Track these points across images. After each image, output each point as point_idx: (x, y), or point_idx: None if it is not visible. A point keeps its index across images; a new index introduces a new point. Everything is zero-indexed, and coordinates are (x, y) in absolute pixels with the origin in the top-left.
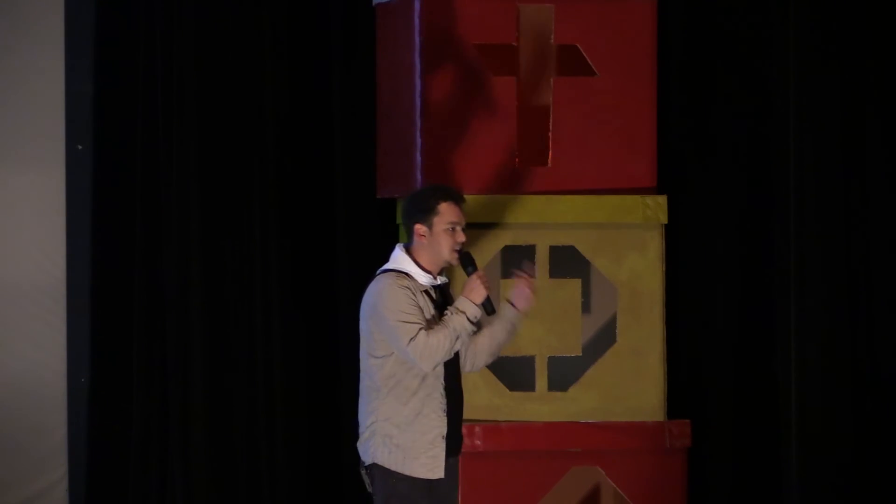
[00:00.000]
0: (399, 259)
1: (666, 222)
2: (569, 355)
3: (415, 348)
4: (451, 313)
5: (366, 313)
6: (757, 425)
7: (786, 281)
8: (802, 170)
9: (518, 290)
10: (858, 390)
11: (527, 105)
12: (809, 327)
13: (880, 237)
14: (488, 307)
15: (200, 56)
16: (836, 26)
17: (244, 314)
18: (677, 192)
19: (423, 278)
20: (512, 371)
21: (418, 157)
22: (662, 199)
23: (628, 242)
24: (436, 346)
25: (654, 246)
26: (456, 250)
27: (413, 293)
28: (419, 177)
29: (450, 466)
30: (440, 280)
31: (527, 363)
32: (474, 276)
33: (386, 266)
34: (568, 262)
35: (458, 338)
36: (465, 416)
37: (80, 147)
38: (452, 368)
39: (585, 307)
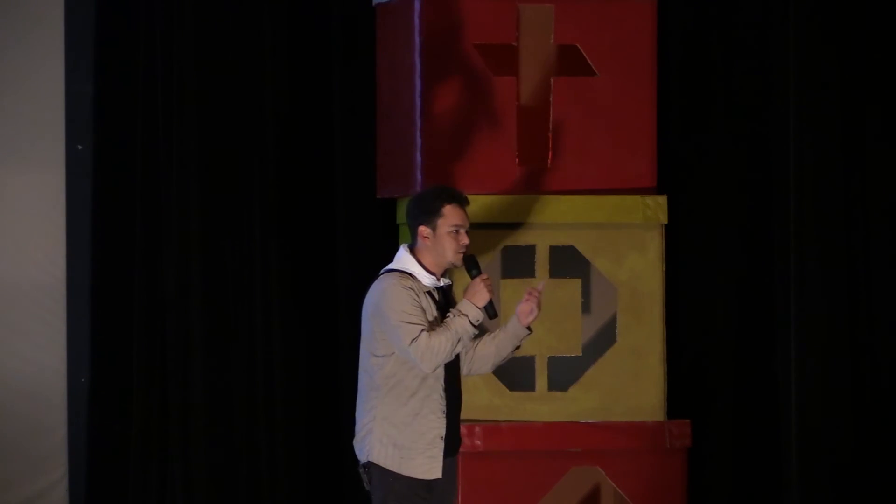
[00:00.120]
0: (403, 259)
1: (666, 222)
2: (569, 355)
3: (416, 349)
4: (454, 315)
5: (368, 312)
6: (757, 425)
7: (786, 281)
8: (802, 170)
9: (521, 305)
10: (858, 390)
11: (527, 105)
12: (809, 327)
13: (880, 237)
14: (490, 310)
15: (200, 56)
16: (836, 26)
17: (244, 314)
18: (677, 192)
19: (427, 279)
20: (512, 371)
21: (418, 157)
22: (662, 199)
23: (628, 242)
24: (437, 347)
25: (654, 246)
26: (460, 253)
27: (416, 294)
28: (419, 177)
29: (447, 466)
30: (443, 282)
31: (527, 363)
32: (478, 280)
33: (390, 266)
34: (568, 262)
35: (459, 340)
36: (465, 416)
37: (80, 147)
38: (452, 370)
39: (585, 307)
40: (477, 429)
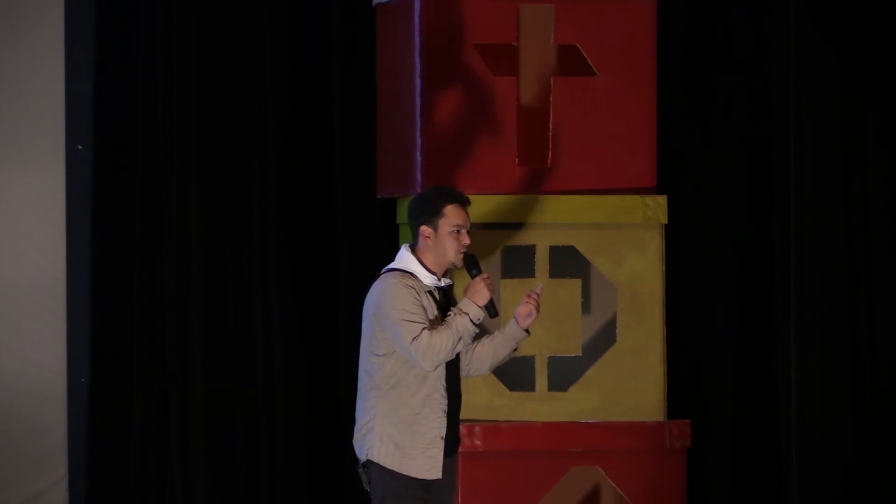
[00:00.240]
0: (404, 259)
1: (666, 222)
2: (569, 355)
3: (417, 347)
4: (455, 314)
5: (369, 311)
6: (757, 425)
7: (786, 281)
8: (802, 170)
9: (520, 308)
10: (858, 390)
11: (527, 105)
12: (809, 327)
13: (880, 237)
14: (491, 310)
15: (200, 56)
16: (836, 26)
17: (244, 314)
18: (677, 192)
19: (428, 279)
20: (512, 371)
21: (418, 157)
22: (662, 199)
23: (628, 242)
24: (438, 346)
25: (654, 246)
26: (461, 253)
27: (417, 293)
28: (419, 177)
29: (446, 466)
30: (444, 282)
31: (527, 363)
32: (478, 279)
33: (391, 265)
34: (568, 262)
35: (460, 339)
36: (465, 416)
37: (80, 147)
38: (453, 369)
39: (585, 307)
40: (477, 429)
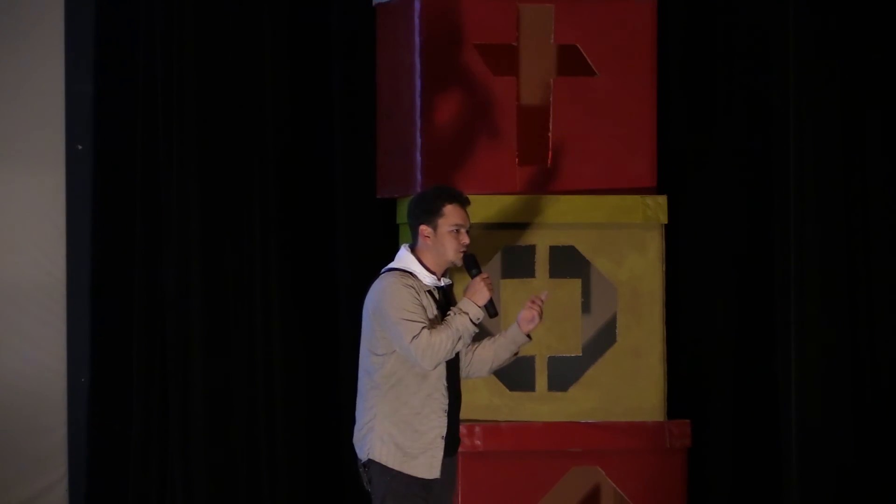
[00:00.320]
0: (404, 259)
1: (666, 222)
2: (569, 355)
3: (417, 346)
4: (454, 314)
5: (369, 310)
6: (757, 425)
7: (786, 281)
8: (802, 170)
9: (523, 313)
10: (858, 390)
11: (527, 105)
12: (809, 327)
13: (880, 237)
14: (491, 309)
15: (200, 56)
16: (836, 26)
17: (244, 314)
18: (677, 192)
19: (428, 279)
20: (512, 371)
21: (418, 157)
22: (662, 199)
23: (628, 242)
24: (438, 345)
25: (654, 246)
26: (460, 252)
27: (417, 292)
28: (419, 177)
29: (446, 465)
30: (444, 282)
31: (527, 363)
32: (478, 279)
33: (391, 265)
34: (568, 262)
35: (460, 338)
36: (465, 416)
37: (80, 147)
38: (454, 369)
39: (585, 307)
40: (477, 429)
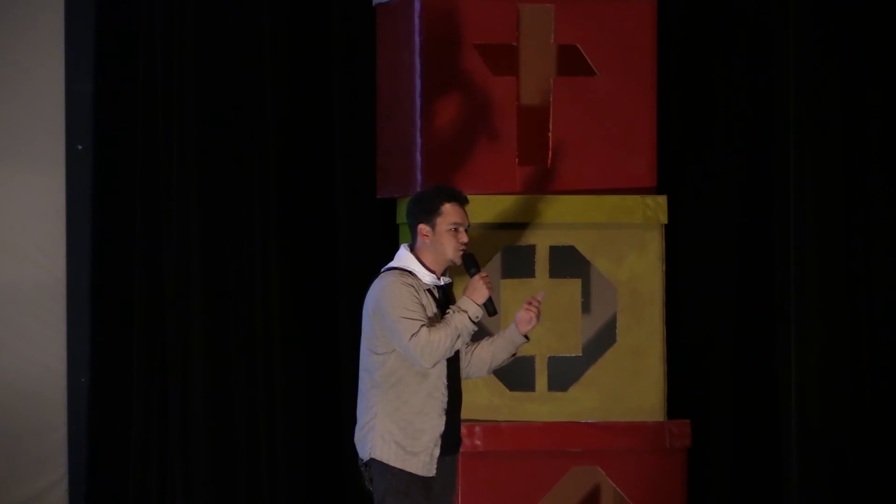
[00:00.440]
0: (404, 258)
1: (666, 222)
2: (569, 355)
3: (416, 344)
4: (453, 312)
5: (369, 309)
6: (757, 425)
7: (786, 281)
8: (802, 170)
9: (520, 314)
10: (858, 390)
11: (527, 105)
12: (809, 327)
13: (880, 237)
14: (490, 307)
15: (200, 56)
16: (836, 26)
17: (244, 314)
18: (677, 192)
19: (427, 277)
20: (512, 371)
21: (418, 157)
22: (662, 199)
23: (628, 242)
24: (437, 343)
25: (654, 246)
26: (459, 251)
27: (416, 291)
28: (419, 177)
29: (447, 465)
30: (443, 280)
31: (527, 363)
32: (476, 277)
33: (390, 264)
34: (568, 262)
35: (458, 336)
36: (465, 416)
37: (80, 147)
38: (454, 368)
39: (585, 307)
40: (477, 429)
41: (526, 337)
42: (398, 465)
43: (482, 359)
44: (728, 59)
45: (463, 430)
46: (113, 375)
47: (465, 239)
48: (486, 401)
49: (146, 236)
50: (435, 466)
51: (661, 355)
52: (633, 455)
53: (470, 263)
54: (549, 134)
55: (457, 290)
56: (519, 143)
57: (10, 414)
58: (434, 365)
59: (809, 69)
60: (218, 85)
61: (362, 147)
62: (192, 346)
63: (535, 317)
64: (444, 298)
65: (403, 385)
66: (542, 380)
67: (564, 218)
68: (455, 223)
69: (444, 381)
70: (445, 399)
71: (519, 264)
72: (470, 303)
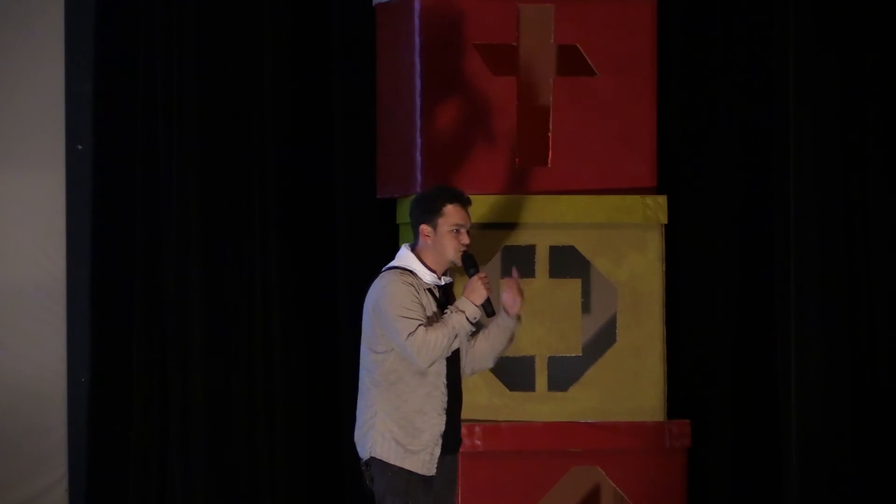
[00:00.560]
0: (405, 257)
1: (666, 222)
2: (569, 355)
3: (413, 343)
4: (451, 312)
5: (369, 308)
6: (757, 425)
7: (786, 281)
8: (802, 169)
9: (504, 296)
10: (858, 391)
11: (527, 105)
12: (809, 327)
13: (880, 238)
14: (488, 308)
15: (200, 56)
16: (837, 26)
17: (244, 314)
18: (677, 192)
19: (428, 277)
20: (512, 371)
21: (418, 157)
22: (662, 199)
23: (628, 242)
24: (433, 342)
25: (654, 246)
26: (460, 252)
27: (416, 290)
28: (419, 177)
29: (447, 464)
30: (444, 280)
31: (527, 363)
32: (475, 278)
33: (392, 263)
34: (568, 262)
35: (456, 336)
36: (465, 416)
37: (80, 147)
38: (454, 367)
39: (585, 307)
40: (477, 429)
41: (518, 318)
42: (398, 464)
43: (483, 351)
44: (728, 59)
45: (463, 430)
46: (113, 375)
47: (466, 240)
48: (486, 401)
49: (146, 236)
50: (435, 465)
51: (661, 355)
52: (633, 455)
53: (469, 264)
54: (549, 134)
55: (457, 290)
56: (519, 143)
57: (10, 414)
58: (430, 364)
59: (809, 69)
60: (218, 84)
61: (362, 147)
62: (192, 346)
63: (518, 295)
64: (445, 298)
65: (403, 384)
66: (542, 380)
67: (564, 218)
68: (457, 224)
69: (444, 380)
70: (445, 398)
71: (519, 264)
72: (468, 303)
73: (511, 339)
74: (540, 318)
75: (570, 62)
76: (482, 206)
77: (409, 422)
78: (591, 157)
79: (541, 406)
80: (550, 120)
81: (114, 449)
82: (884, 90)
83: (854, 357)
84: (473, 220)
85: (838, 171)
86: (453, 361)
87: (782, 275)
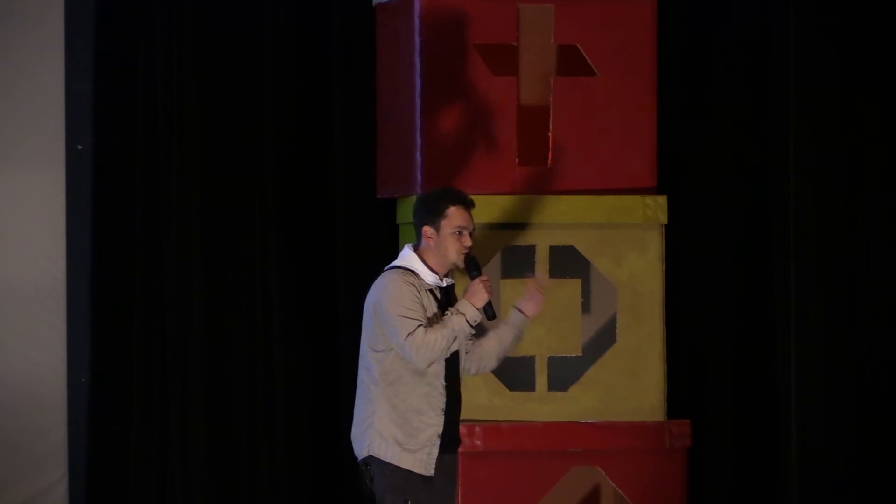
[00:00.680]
0: (407, 257)
1: (666, 222)
2: (569, 355)
3: (412, 343)
4: (452, 314)
5: (369, 307)
6: (757, 425)
7: (785, 281)
8: (802, 170)
9: (528, 295)
10: (858, 390)
11: (527, 105)
12: (809, 327)
13: (880, 238)
14: (489, 312)
15: (200, 56)
16: (837, 26)
17: (244, 314)
18: (677, 192)
19: (430, 278)
20: (512, 371)
21: (418, 157)
22: (662, 199)
23: (628, 242)
24: (432, 343)
25: (654, 246)
26: (462, 254)
27: (418, 291)
28: (419, 177)
29: (447, 463)
30: (446, 282)
31: (527, 363)
32: (477, 281)
33: (394, 263)
34: (568, 262)
35: (455, 338)
36: (465, 416)
37: (80, 147)
38: (453, 367)
39: (585, 307)
40: (477, 429)
41: (522, 311)
42: (396, 462)
43: (489, 350)
44: (728, 59)
45: (463, 430)
46: (113, 375)
47: (468, 243)
48: (486, 401)
49: (146, 236)
50: (433, 465)
51: (661, 355)
52: (633, 455)
53: (471, 266)
54: (549, 134)
55: (459, 291)
56: (519, 143)
57: (10, 414)
58: (429, 365)
59: (810, 69)
60: (218, 84)
61: (362, 147)
62: (192, 346)
63: (542, 295)
64: (446, 299)
65: (401, 383)
66: (542, 380)
67: (564, 218)
68: (459, 227)
69: (442, 381)
70: (443, 399)
71: (519, 264)
72: (469, 306)
73: (518, 339)
74: (540, 318)
75: (570, 62)
76: (482, 205)
77: (407, 421)
78: (591, 157)
79: (541, 406)
80: (550, 120)
81: (114, 449)
82: (884, 90)
83: (854, 357)
84: (474, 220)
85: (838, 171)
86: (452, 362)
87: (782, 275)
